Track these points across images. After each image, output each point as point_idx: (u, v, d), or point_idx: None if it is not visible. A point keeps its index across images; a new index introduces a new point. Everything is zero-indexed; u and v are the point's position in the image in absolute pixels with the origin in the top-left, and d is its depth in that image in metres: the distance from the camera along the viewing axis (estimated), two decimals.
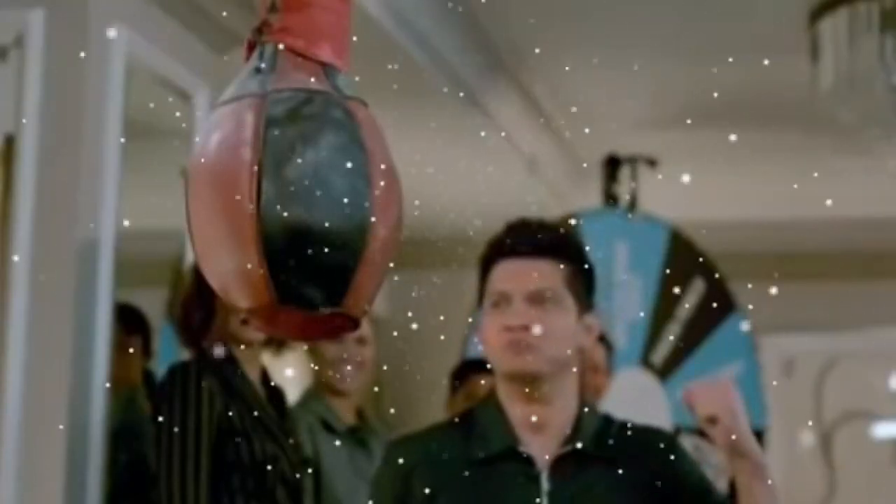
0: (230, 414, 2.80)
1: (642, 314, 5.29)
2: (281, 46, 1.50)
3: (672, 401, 5.10)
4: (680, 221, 5.52)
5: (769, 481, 1.97)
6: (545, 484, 1.98)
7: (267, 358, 3.05)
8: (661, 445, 2.08)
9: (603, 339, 4.15)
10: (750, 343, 5.46)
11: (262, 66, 1.48)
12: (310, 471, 3.14)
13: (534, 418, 2.03)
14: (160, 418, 2.78)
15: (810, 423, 6.82)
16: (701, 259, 5.46)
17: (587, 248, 2.14)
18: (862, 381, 6.76)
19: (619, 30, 4.42)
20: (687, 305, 5.38)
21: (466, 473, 2.01)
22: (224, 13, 3.40)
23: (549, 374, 2.02)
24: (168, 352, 3.23)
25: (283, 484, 2.85)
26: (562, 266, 2.07)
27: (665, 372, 5.29)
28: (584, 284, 2.10)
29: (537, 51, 4.77)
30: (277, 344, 3.01)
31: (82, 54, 2.93)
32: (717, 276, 5.46)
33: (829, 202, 5.05)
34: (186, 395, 2.76)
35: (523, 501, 1.97)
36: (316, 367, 3.42)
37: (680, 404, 5.41)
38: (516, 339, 2.01)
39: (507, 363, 2.03)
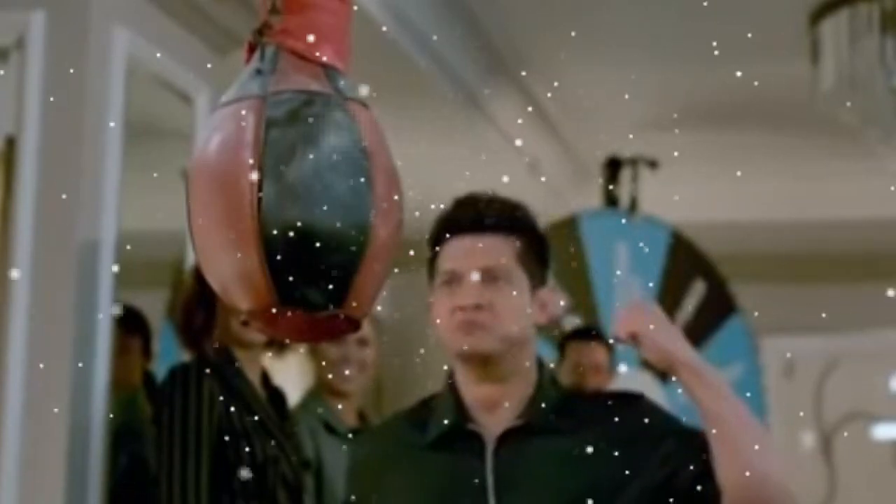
0: (231, 415, 2.80)
1: None
2: (282, 48, 1.50)
3: (672, 401, 5.09)
4: (680, 223, 5.52)
5: (719, 386, 1.92)
6: (490, 459, 1.95)
7: (268, 359, 3.05)
8: (629, 407, 2.01)
9: (604, 340, 4.15)
10: (750, 344, 5.46)
11: (263, 67, 1.48)
12: (312, 472, 3.15)
13: (488, 397, 1.99)
14: (161, 420, 2.78)
15: (812, 424, 6.82)
16: (701, 260, 5.46)
17: (539, 221, 2.07)
18: (862, 383, 6.76)
19: (620, 31, 4.42)
20: (687, 307, 5.37)
21: (418, 456, 1.99)
22: (225, 15, 3.40)
23: (502, 352, 1.97)
24: (169, 353, 3.23)
25: (283, 485, 2.85)
26: (513, 241, 2.01)
27: (666, 373, 5.28)
28: (537, 259, 2.04)
29: (538, 52, 4.78)
30: (278, 345, 3.01)
31: (83, 56, 2.93)
32: (717, 277, 5.46)
33: (830, 203, 5.05)
34: (187, 397, 2.76)
35: (470, 477, 1.94)
36: (317, 369, 3.42)
37: (681, 406, 5.41)
38: (468, 318, 1.96)
39: (460, 343, 1.97)
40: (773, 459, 1.88)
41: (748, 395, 5.25)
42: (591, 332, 4.25)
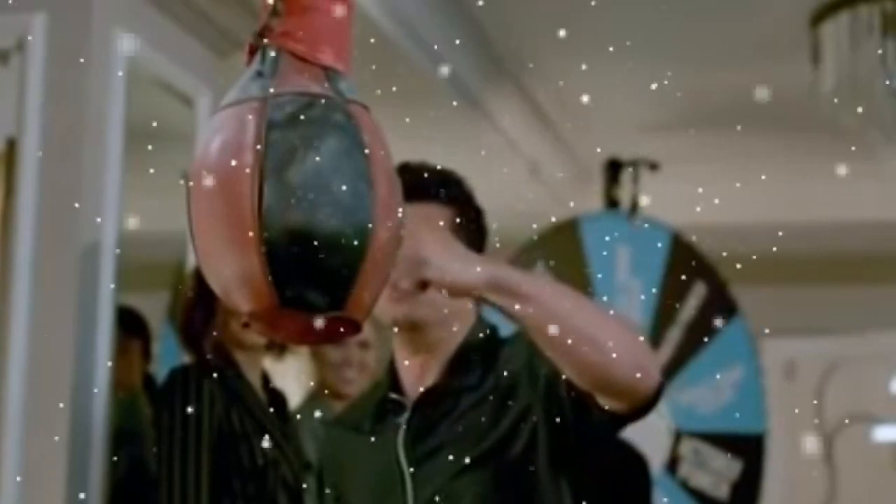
0: (231, 418, 2.80)
1: (644, 318, 5.28)
2: (282, 50, 1.50)
3: (673, 405, 5.09)
4: (681, 225, 5.52)
5: (535, 293, 1.69)
6: (403, 425, 1.92)
7: (268, 361, 3.05)
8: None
9: None
10: (751, 346, 5.46)
11: (264, 69, 1.48)
12: (312, 474, 3.15)
13: (420, 366, 1.95)
14: (161, 422, 2.78)
15: (812, 425, 6.82)
16: (702, 262, 5.45)
17: (473, 190, 2.01)
18: (863, 385, 6.76)
19: (620, 33, 4.42)
20: (688, 309, 5.37)
21: (361, 436, 1.98)
22: (226, 17, 3.40)
23: (434, 321, 1.92)
24: (169, 355, 3.23)
25: (284, 488, 2.85)
26: (447, 210, 1.96)
27: (666, 376, 5.26)
28: (473, 229, 1.98)
29: (539, 54, 4.78)
30: (279, 348, 3.01)
31: (84, 58, 2.94)
32: (718, 279, 5.46)
33: (830, 205, 5.04)
34: (187, 399, 2.76)
35: (390, 445, 1.92)
36: (318, 371, 3.42)
37: (681, 408, 5.39)
38: (399, 285, 1.88)
39: (390, 312, 1.92)
40: (619, 339, 1.73)
41: (749, 397, 5.25)
42: None
